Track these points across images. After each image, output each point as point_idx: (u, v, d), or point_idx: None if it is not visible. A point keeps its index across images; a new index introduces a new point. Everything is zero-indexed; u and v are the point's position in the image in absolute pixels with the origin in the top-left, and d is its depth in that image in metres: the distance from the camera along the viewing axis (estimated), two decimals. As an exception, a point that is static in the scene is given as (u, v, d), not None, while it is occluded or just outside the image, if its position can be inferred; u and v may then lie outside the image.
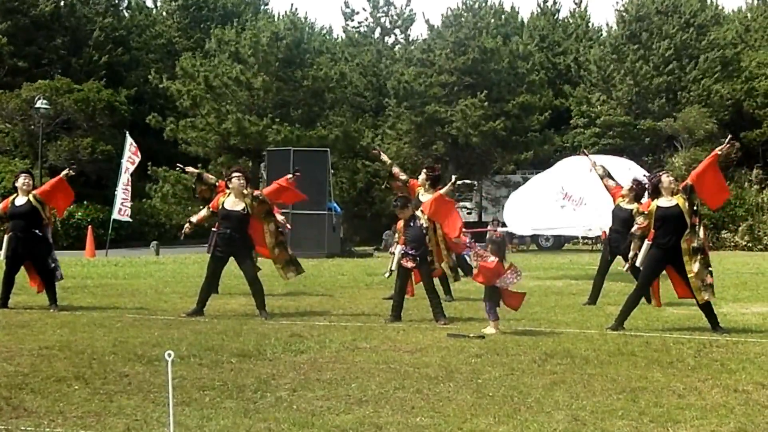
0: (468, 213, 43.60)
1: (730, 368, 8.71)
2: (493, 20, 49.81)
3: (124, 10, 57.53)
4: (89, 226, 33.79)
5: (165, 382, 6.56)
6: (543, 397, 7.40)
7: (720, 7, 52.14)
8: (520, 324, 11.77)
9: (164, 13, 60.28)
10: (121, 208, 32.02)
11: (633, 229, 11.86)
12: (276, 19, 52.41)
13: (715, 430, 6.39)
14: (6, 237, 13.60)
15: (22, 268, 13.88)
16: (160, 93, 46.17)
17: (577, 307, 14.29)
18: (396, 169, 15.82)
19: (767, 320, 12.60)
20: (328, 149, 32.28)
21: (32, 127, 42.33)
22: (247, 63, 39.70)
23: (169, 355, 5.57)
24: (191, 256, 28.17)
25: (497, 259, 11.24)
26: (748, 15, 55.92)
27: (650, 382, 8.04)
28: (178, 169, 15.84)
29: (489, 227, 18.89)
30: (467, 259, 18.74)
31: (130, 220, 33.63)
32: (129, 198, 32.40)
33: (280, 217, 13.69)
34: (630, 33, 47.04)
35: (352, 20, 58.99)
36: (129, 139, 32.25)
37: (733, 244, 37.90)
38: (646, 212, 11.61)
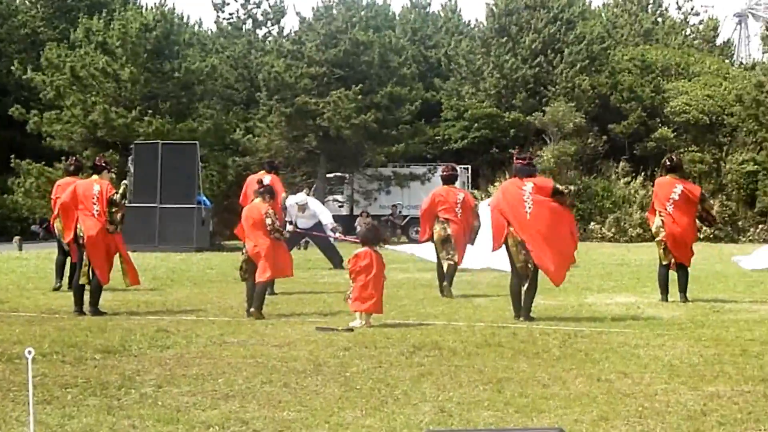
0: (339, 206, 43.63)
1: (593, 358, 8.87)
2: (364, 13, 49.85)
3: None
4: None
5: (25, 380, 6.37)
6: (410, 389, 7.42)
7: (587, 2, 53.19)
8: (389, 317, 11.78)
9: (27, 2, 58.57)
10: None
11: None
12: (145, 11, 51.45)
13: (578, 419, 6.48)
14: None
15: None
16: (23, 85, 44.80)
17: (445, 299, 14.39)
18: None
19: (630, 310, 12.90)
20: (197, 142, 31.84)
21: None
22: (115, 54, 38.85)
23: (30, 352, 5.41)
24: (55, 252, 27.42)
25: (368, 248, 11.32)
26: (615, 11, 57.39)
27: (516, 372, 8.13)
28: None
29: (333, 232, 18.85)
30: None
31: None
32: None
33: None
34: (499, 27, 47.64)
35: (223, 11, 58.44)
36: None
37: (600, 235, 38.84)
38: None
